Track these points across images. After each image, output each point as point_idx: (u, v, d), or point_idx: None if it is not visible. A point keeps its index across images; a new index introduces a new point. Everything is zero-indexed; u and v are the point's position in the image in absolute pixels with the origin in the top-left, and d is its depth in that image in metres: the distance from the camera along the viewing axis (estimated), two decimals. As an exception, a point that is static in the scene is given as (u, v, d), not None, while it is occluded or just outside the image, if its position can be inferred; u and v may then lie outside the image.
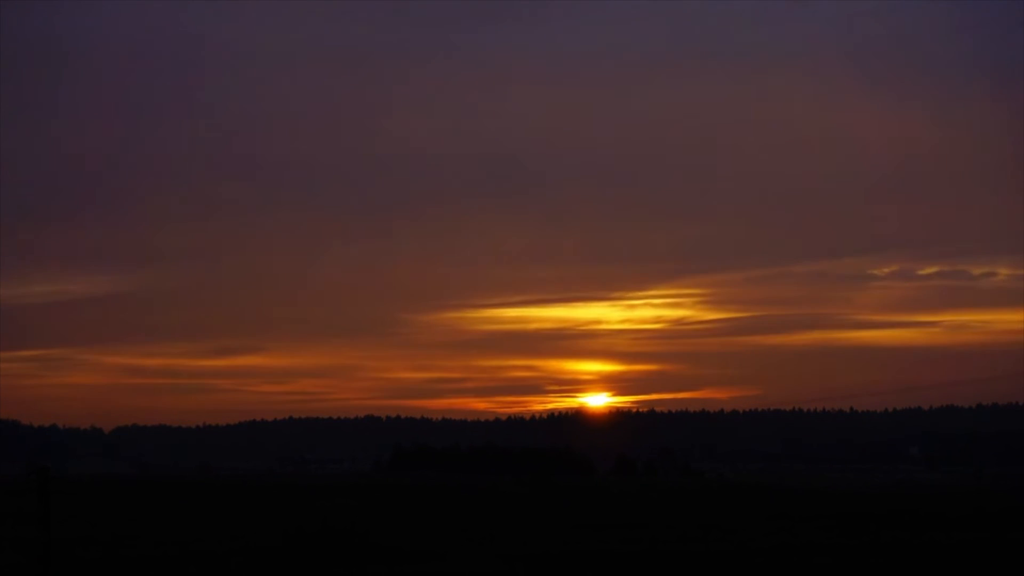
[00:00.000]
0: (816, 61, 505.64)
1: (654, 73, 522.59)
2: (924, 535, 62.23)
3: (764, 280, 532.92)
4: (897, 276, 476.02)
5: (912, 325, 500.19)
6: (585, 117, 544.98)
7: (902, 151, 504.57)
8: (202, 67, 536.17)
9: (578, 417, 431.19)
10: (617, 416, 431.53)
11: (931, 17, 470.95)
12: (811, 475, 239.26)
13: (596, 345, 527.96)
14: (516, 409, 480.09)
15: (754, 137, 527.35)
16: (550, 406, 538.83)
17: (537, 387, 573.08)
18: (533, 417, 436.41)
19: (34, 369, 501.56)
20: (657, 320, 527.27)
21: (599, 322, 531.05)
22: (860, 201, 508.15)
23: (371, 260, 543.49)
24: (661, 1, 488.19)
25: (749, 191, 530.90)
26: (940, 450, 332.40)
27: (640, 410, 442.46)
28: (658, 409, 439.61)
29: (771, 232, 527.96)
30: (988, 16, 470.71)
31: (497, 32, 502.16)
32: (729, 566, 45.95)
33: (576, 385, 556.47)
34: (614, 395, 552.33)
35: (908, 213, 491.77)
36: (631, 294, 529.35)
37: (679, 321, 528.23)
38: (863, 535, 62.91)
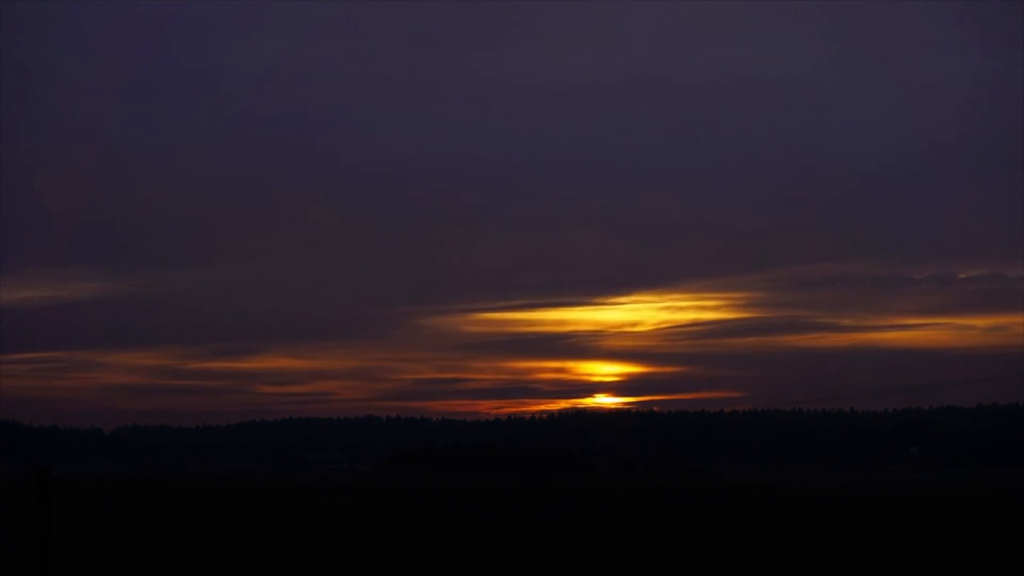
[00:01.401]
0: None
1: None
2: (924, 535, 62.27)
3: (793, 282, 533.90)
4: (936, 279, 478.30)
5: (948, 328, 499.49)
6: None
7: (940, 152, 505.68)
8: (200, 72, 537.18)
9: (578, 418, 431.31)
10: (617, 416, 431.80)
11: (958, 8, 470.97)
12: (810, 475, 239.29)
13: (599, 346, 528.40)
14: (516, 410, 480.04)
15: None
16: (550, 407, 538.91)
17: (537, 388, 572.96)
18: (533, 418, 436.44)
19: (35, 370, 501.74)
20: (660, 322, 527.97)
21: (605, 324, 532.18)
22: (898, 203, 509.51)
23: (372, 264, 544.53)
24: None
25: (785, 190, 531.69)
26: (940, 450, 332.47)
27: (640, 410, 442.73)
28: (658, 409, 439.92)
29: (803, 232, 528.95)
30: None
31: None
32: (729, 566, 46.01)
33: (576, 386, 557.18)
34: (614, 396, 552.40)
35: (946, 215, 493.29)
36: (635, 296, 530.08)
37: (681, 323, 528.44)
38: (863, 535, 62.95)
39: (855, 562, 47.65)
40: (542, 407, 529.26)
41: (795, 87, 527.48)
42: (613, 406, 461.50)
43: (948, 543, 56.14)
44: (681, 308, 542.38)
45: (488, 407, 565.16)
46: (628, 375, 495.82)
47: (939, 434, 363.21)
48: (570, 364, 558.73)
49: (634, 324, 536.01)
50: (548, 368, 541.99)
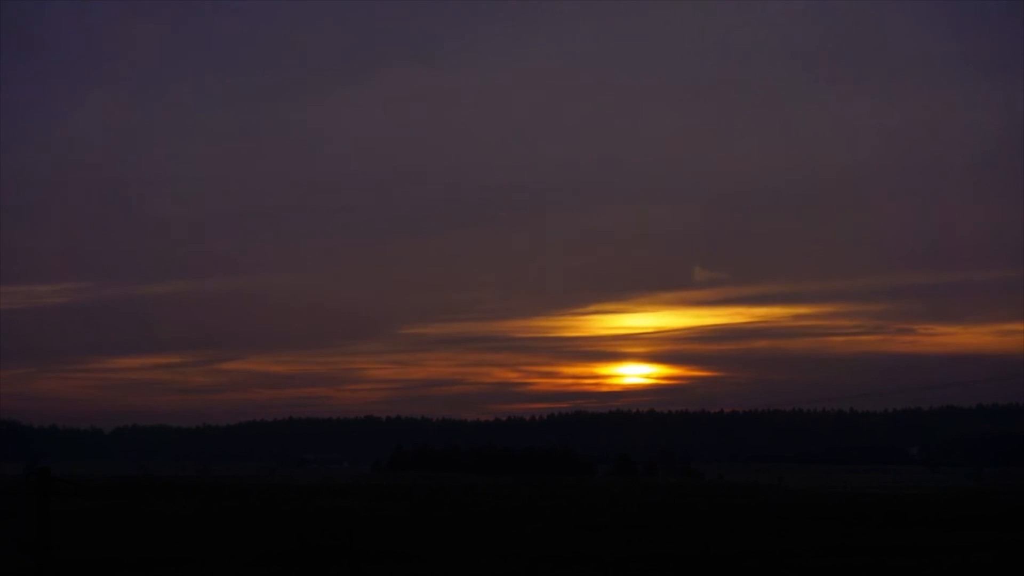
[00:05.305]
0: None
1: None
2: (924, 536, 62.28)
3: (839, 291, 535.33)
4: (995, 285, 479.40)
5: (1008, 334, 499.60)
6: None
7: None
8: (197, 77, 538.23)
9: (578, 418, 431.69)
10: (617, 417, 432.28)
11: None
12: (811, 475, 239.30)
13: (600, 348, 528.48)
14: (516, 409, 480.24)
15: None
16: (550, 407, 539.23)
17: (537, 389, 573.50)
18: (533, 418, 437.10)
19: (35, 371, 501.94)
20: (662, 325, 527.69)
21: (606, 327, 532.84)
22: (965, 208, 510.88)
23: (372, 267, 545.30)
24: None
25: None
26: (940, 450, 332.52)
27: (640, 410, 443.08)
28: (658, 409, 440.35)
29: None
30: None
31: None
32: (729, 567, 45.94)
33: (576, 387, 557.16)
34: (614, 396, 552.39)
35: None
36: (636, 299, 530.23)
37: (683, 326, 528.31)
38: (863, 536, 62.95)
39: (856, 564, 47.58)
40: (542, 408, 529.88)
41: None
42: (613, 406, 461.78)
43: (948, 544, 56.14)
44: (683, 311, 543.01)
45: (488, 408, 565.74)
46: (628, 376, 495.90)
47: (939, 434, 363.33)
48: (571, 366, 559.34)
49: (635, 327, 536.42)
50: (548, 370, 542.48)
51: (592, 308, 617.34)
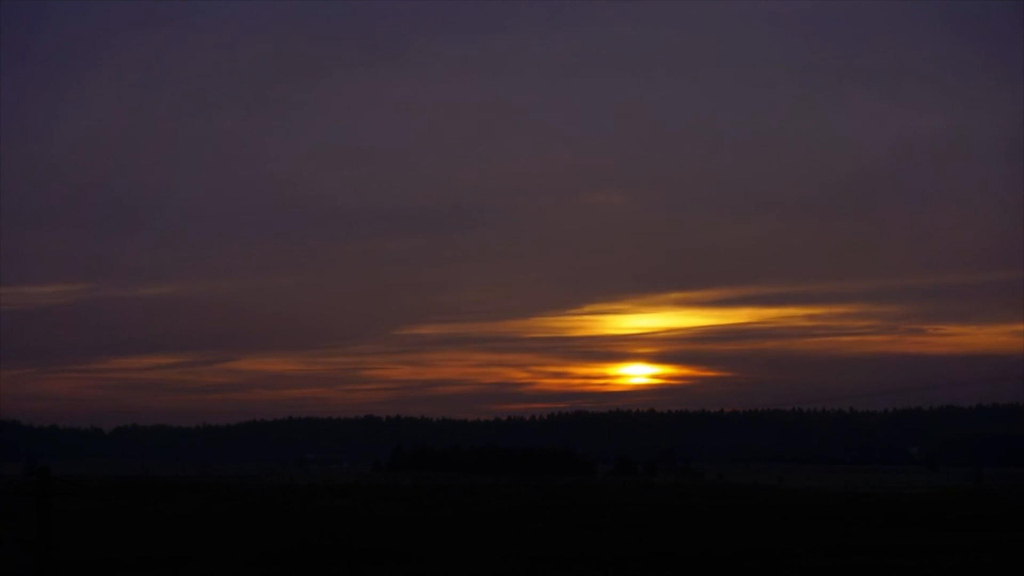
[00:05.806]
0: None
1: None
2: (924, 536, 62.26)
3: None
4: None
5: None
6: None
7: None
8: (200, 80, 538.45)
9: (578, 418, 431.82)
10: (617, 417, 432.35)
11: None
12: (811, 475, 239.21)
13: (600, 348, 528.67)
14: (516, 409, 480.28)
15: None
16: (550, 407, 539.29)
17: (537, 389, 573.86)
18: (533, 418, 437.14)
19: (35, 371, 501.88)
20: (661, 325, 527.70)
21: (606, 327, 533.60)
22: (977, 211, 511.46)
23: (372, 267, 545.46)
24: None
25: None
26: (940, 450, 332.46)
27: (640, 410, 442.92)
28: (658, 409, 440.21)
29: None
30: None
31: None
32: (729, 567, 45.92)
33: (576, 387, 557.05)
34: (614, 396, 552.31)
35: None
36: (634, 299, 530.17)
37: (682, 326, 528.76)
38: (863, 536, 62.92)
39: (855, 563, 47.56)
40: (542, 408, 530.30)
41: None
42: (614, 406, 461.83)
43: (948, 544, 56.14)
44: (682, 312, 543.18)
45: (488, 408, 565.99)
46: (629, 376, 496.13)
47: (939, 434, 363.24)
48: (570, 366, 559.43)
49: (636, 327, 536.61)
50: (549, 370, 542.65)
51: (592, 308, 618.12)
